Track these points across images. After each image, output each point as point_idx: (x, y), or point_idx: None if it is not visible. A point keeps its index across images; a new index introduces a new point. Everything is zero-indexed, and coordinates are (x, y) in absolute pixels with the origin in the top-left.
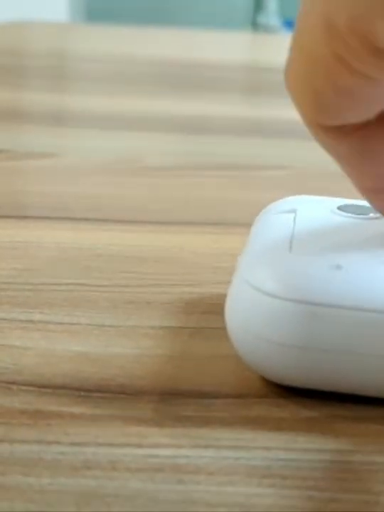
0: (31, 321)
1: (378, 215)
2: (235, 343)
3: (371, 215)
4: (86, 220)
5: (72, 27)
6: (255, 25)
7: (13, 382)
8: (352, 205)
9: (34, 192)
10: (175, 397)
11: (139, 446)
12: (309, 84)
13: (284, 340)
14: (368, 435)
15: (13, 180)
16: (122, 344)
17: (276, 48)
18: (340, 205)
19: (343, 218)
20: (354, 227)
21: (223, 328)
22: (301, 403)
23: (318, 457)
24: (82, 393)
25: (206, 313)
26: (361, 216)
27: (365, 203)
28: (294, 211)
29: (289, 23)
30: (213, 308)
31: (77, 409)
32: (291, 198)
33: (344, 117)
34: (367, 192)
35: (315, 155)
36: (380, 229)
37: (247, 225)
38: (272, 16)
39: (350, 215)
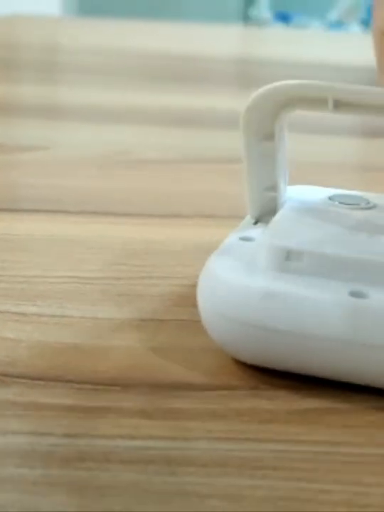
0: (24, 314)
1: (370, 205)
2: (203, 322)
3: (362, 205)
4: (78, 212)
5: (65, 21)
6: (247, 18)
7: (7, 374)
8: (344, 196)
9: (26, 185)
10: (167, 389)
11: (132, 438)
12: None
13: (244, 320)
14: (358, 427)
15: (5, 173)
16: (114, 336)
17: (268, 41)
18: (332, 195)
19: (331, 208)
20: (334, 216)
21: None
22: (292, 395)
23: (309, 448)
24: (75, 385)
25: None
26: (350, 206)
27: (358, 193)
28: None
29: (280, 16)
30: None
31: (70, 401)
32: (289, 188)
33: None
34: None
35: (310, 148)
36: (358, 218)
37: (240, 217)
38: (263, 8)
39: (338, 204)
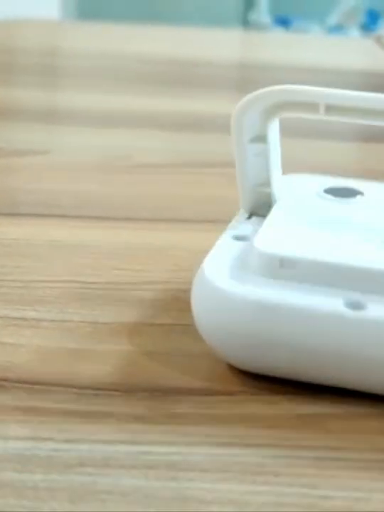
0: (24, 319)
1: (363, 196)
2: (197, 328)
3: (356, 197)
4: (78, 217)
5: (64, 24)
6: (246, 23)
7: (6, 379)
8: (338, 188)
9: (26, 189)
10: (167, 394)
11: (133, 443)
12: None
13: (237, 329)
14: (360, 432)
15: (5, 178)
16: (115, 341)
17: (267, 46)
18: (328, 188)
19: (325, 203)
20: (329, 214)
21: None
22: (293, 400)
23: (310, 454)
24: (75, 390)
25: None
26: (343, 199)
27: (352, 183)
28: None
29: (280, 20)
30: None
31: (70, 406)
32: (283, 177)
33: None
34: None
35: (308, 152)
36: (353, 214)
37: None
38: (262, 13)
39: (332, 198)
